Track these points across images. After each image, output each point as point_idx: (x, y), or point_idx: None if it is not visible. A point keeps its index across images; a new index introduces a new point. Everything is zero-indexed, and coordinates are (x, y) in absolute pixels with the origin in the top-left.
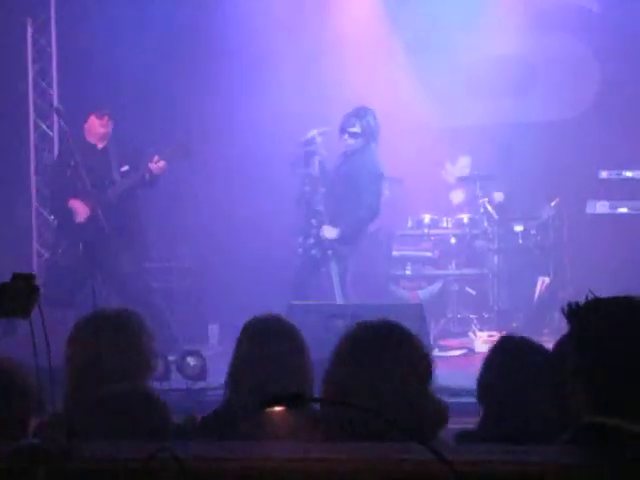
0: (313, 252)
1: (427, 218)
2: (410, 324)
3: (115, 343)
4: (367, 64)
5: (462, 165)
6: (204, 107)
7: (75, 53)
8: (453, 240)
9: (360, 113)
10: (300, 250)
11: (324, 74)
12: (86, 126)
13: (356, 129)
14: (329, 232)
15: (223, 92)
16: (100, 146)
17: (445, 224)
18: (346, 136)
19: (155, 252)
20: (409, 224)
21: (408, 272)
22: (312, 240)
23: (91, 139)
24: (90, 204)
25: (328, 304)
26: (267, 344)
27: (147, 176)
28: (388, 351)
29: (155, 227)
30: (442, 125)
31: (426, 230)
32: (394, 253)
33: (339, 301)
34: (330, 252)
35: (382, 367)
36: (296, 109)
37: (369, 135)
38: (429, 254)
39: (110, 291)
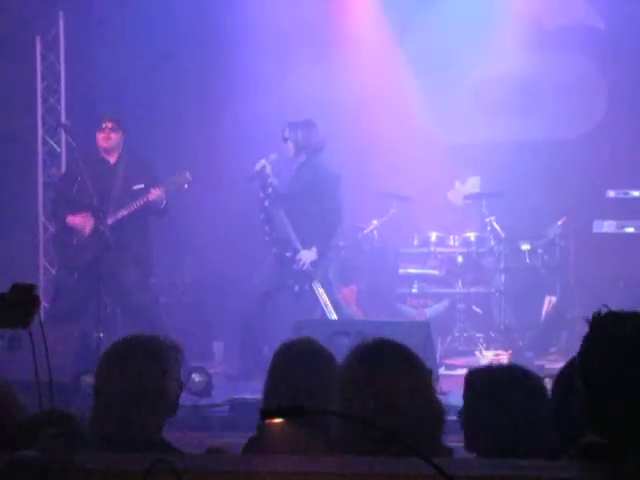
0: (296, 289)
1: (434, 236)
2: (417, 342)
3: (147, 371)
4: (374, 81)
5: (472, 184)
6: (211, 121)
7: (83, 69)
8: (460, 258)
9: (291, 127)
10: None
11: (330, 91)
12: (97, 141)
13: (289, 144)
14: (308, 256)
15: (231, 106)
16: (112, 162)
17: (452, 242)
18: (289, 145)
19: (160, 267)
20: (415, 242)
21: (415, 290)
22: (292, 281)
23: (103, 154)
24: (95, 219)
25: (334, 321)
26: (301, 369)
27: (144, 204)
28: (385, 369)
29: (160, 242)
30: (448, 143)
31: (432, 248)
32: (400, 271)
33: (332, 316)
34: (313, 276)
35: (381, 382)
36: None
37: (306, 149)
38: (436, 272)
39: (115, 306)
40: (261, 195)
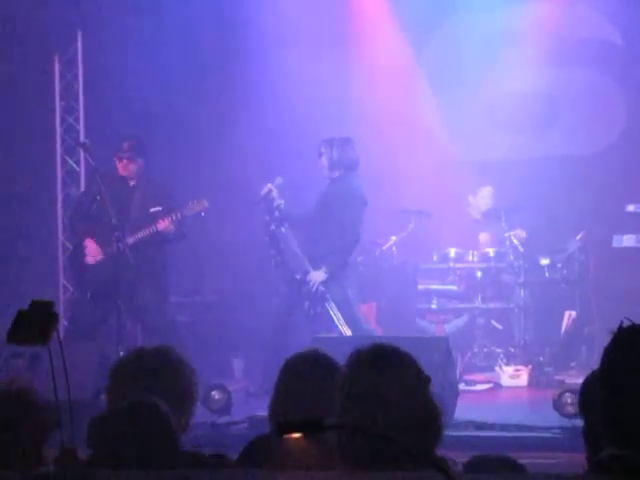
0: (310, 310)
1: (452, 252)
2: (436, 357)
3: (156, 381)
4: (390, 98)
5: (484, 195)
6: (231, 140)
7: (102, 88)
8: (479, 274)
9: (327, 143)
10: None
11: (347, 108)
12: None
13: (323, 160)
14: (317, 276)
15: (253, 126)
16: (132, 183)
17: (471, 258)
18: (323, 160)
19: (180, 287)
20: (435, 258)
21: (434, 306)
22: (307, 303)
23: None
24: (111, 242)
25: (352, 337)
26: (306, 379)
27: (153, 232)
28: (382, 374)
29: (179, 261)
30: (467, 159)
31: (452, 264)
32: (420, 287)
33: (346, 332)
34: (326, 296)
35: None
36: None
37: (340, 166)
38: (455, 288)
39: (134, 325)
40: (267, 219)
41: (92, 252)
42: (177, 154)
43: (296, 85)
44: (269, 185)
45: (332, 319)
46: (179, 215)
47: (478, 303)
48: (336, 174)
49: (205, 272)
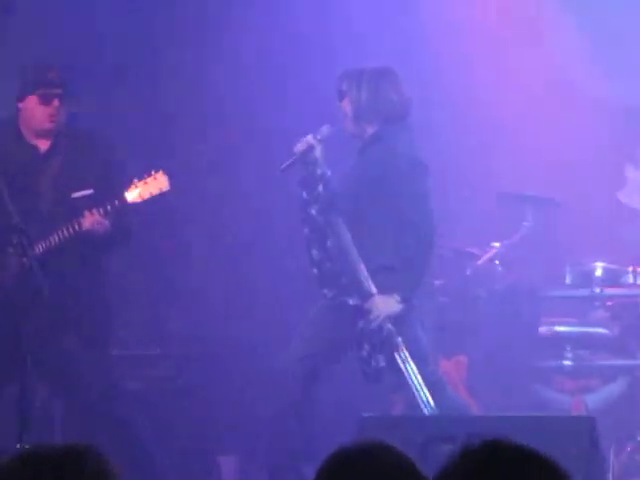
0: (371, 362)
1: (599, 268)
2: (573, 452)
3: None
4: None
5: None
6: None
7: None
8: None
9: (351, 78)
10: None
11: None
12: (22, 113)
13: (345, 105)
14: (386, 306)
15: (252, 50)
16: (44, 149)
17: (631, 279)
18: (344, 106)
19: (129, 332)
20: (567, 279)
21: (567, 362)
22: (359, 346)
23: (29, 137)
24: (9, 253)
25: (422, 417)
26: None
27: (73, 231)
28: None
29: (129, 293)
30: (622, 105)
31: (598, 289)
32: (541, 329)
33: (427, 408)
34: (395, 341)
35: None
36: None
37: (374, 114)
38: (604, 331)
39: (53, 392)
40: (305, 197)
41: None
42: (128, 96)
43: None
44: (309, 138)
45: (399, 380)
46: (116, 203)
47: None
48: (370, 131)
49: (172, 306)
